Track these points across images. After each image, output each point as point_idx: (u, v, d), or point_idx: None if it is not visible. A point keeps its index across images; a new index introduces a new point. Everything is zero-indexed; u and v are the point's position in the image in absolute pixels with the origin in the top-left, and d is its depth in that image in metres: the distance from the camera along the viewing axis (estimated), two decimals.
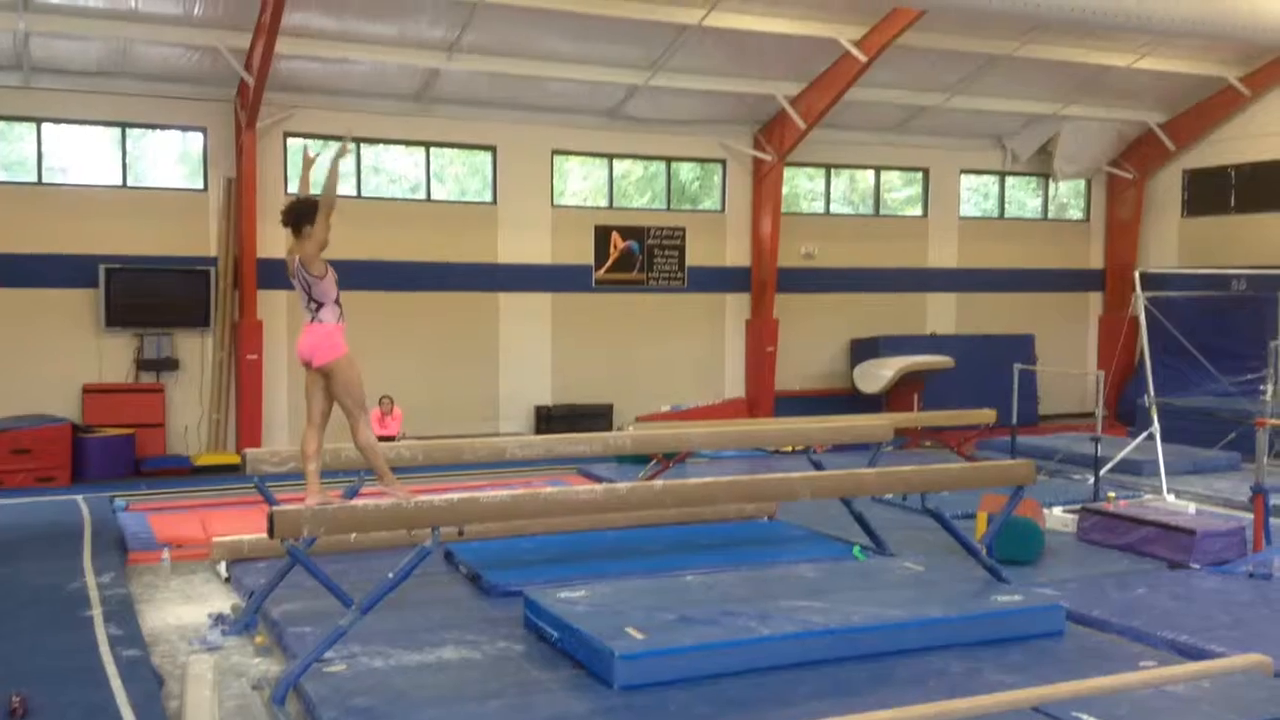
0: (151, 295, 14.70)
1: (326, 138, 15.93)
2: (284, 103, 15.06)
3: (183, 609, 8.13)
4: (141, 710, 5.77)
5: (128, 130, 14.95)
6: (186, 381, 15.05)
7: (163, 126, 15.14)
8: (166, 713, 5.93)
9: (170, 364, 14.86)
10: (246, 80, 14.04)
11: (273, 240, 15.20)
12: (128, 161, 15.02)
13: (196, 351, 15.10)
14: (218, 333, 15.11)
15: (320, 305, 7.07)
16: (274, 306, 15.22)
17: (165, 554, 9.58)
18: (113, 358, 14.70)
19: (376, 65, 15.02)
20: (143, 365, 14.76)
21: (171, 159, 15.51)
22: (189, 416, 15.06)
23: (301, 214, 7.05)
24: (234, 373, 15.17)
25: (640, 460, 13.12)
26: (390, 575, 6.48)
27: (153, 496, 12.43)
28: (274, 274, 15.12)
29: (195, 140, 15.25)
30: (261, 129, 14.78)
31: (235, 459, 13.59)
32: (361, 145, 16.04)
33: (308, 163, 7.31)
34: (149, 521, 10.69)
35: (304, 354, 7.09)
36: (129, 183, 15.00)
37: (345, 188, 16.05)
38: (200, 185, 15.22)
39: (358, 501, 7.39)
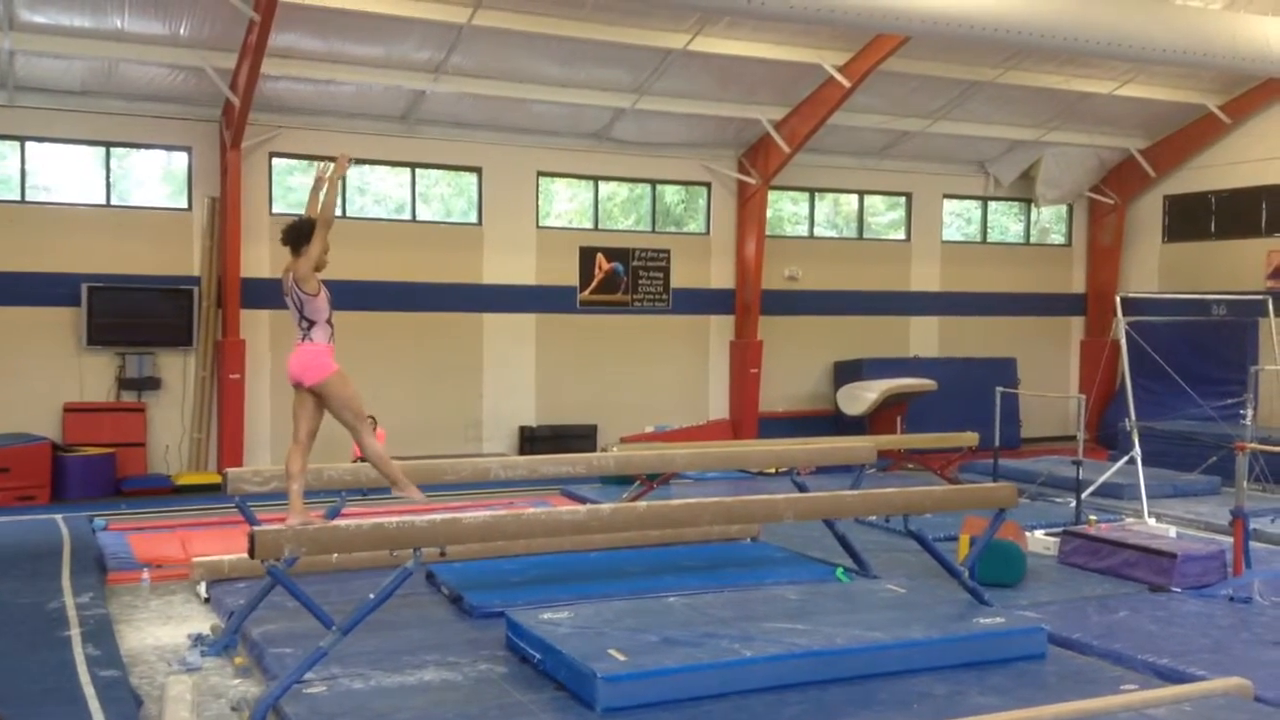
0: (134, 314, 14.63)
1: (312, 158, 15.95)
2: (269, 123, 15.07)
3: (162, 629, 8.06)
4: None
5: (112, 149, 14.93)
6: (168, 401, 14.98)
7: (147, 146, 15.11)
8: None
9: (152, 383, 14.79)
10: (232, 100, 14.05)
11: (256, 260, 15.21)
12: (111, 180, 14.98)
13: (179, 371, 15.04)
14: (200, 352, 15.05)
15: (312, 324, 7.04)
16: (257, 326, 15.18)
17: (145, 574, 9.49)
18: (94, 376, 14.62)
19: (362, 86, 15.05)
20: (124, 384, 14.68)
21: (156, 178, 15.48)
22: (170, 436, 14.99)
23: (302, 233, 7.06)
24: (216, 392, 15.10)
25: (624, 481, 13.10)
26: (371, 596, 6.46)
27: (133, 516, 12.33)
28: (257, 294, 15.14)
29: (180, 160, 15.24)
30: (246, 149, 14.78)
31: (216, 479, 13.54)
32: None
33: (320, 182, 7.28)
34: (129, 541, 10.61)
35: (294, 374, 7.04)
36: (113, 202, 14.96)
37: None
38: (184, 205, 15.19)
39: (339, 521, 7.37)
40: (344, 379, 7.04)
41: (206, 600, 8.77)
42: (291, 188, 16.11)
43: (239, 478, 8.50)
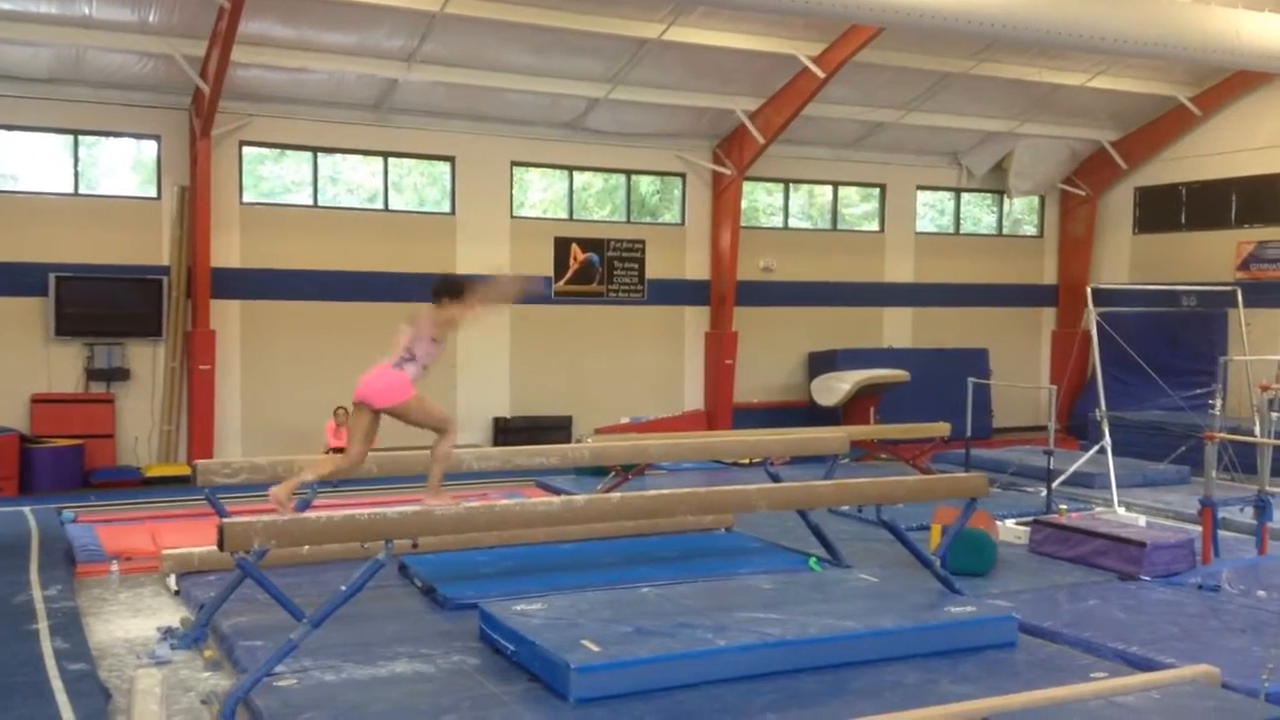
0: (102, 304, 14.48)
1: (283, 147, 15.87)
2: (240, 111, 14.93)
3: (131, 622, 7.99)
4: None
5: (80, 137, 14.75)
6: (137, 392, 14.84)
7: (116, 134, 14.95)
8: None
9: (121, 374, 14.64)
10: (202, 88, 13.91)
11: (226, 250, 15.08)
12: (80, 169, 14.82)
13: (148, 361, 14.90)
14: (170, 342, 14.91)
15: (412, 359, 7.00)
16: (227, 316, 15.06)
17: (114, 566, 9.41)
18: (62, 367, 14.46)
19: (334, 74, 14.93)
20: (93, 375, 14.53)
21: (124, 167, 15.32)
22: (139, 427, 14.85)
23: (450, 289, 7.11)
24: (186, 383, 14.98)
25: (598, 472, 13.10)
26: (343, 588, 6.42)
27: (102, 508, 12.22)
28: (227, 284, 15.02)
29: (149, 148, 15.08)
30: (217, 137, 14.64)
31: (186, 470, 13.48)
32: (319, 154, 15.94)
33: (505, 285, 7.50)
34: (98, 533, 10.50)
35: (364, 394, 6.96)
36: (81, 190, 14.79)
37: (301, 197, 15.98)
38: (153, 193, 15.03)
39: (310, 513, 7.32)
40: (420, 399, 7.05)
41: (176, 593, 8.70)
42: (262, 177, 15.99)
43: (209, 469, 8.44)
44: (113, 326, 14.58)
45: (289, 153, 16.02)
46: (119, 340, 14.66)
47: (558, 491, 12.69)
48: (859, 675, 6.62)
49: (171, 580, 8.86)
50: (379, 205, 16.40)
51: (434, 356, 7.13)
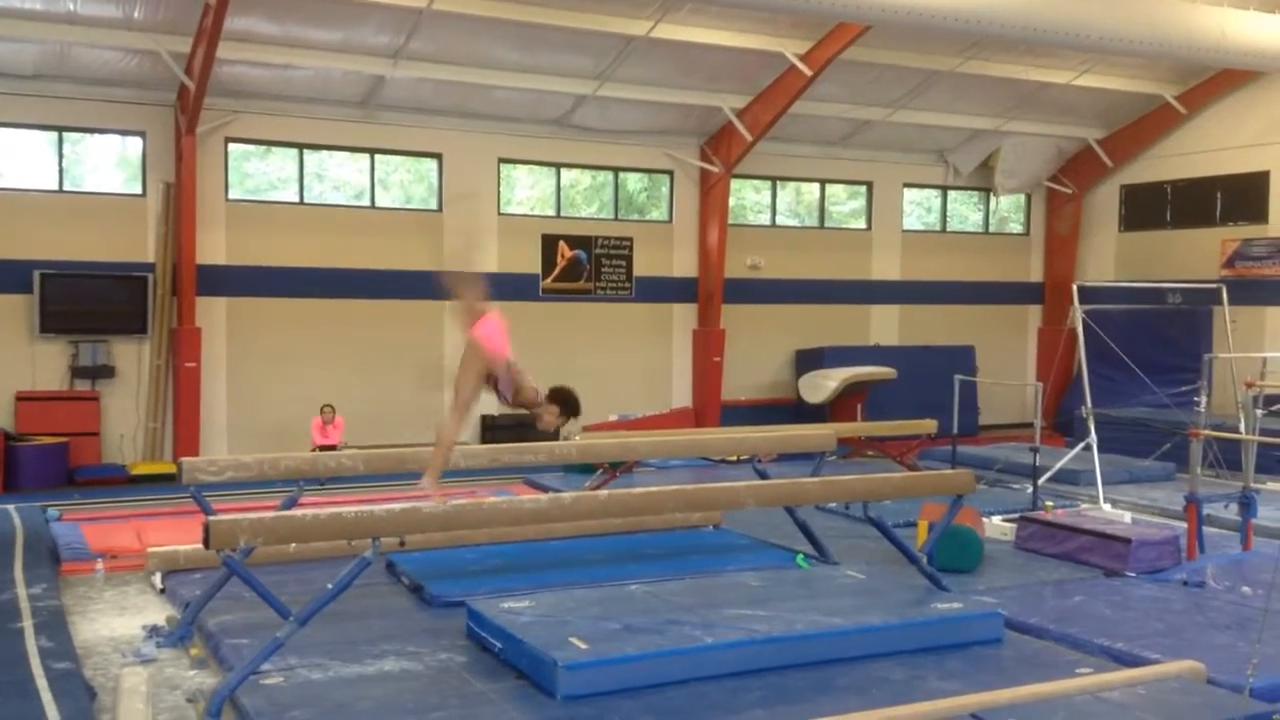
0: (87, 301, 14.41)
1: (269, 143, 15.81)
2: (225, 108, 14.87)
3: (116, 621, 7.95)
4: None
5: (65, 134, 14.67)
6: (123, 389, 14.77)
7: (101, 130, 14.87)
8: None
9: (106, 371, 14.58)
10: (187, 85, 13.84)
11: (212, 247, 15.03)
12: (64, 166, 14.74)
13: (133, 359, 14.83)
14: (155, 340, 14.85)
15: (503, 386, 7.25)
16: (213, 314, 15.01)
17: (99, 565, 9.37)
18: (46, 365, 14.38)
19: (320, 71, 14.88)
20: (78, 372, 14.46)
21: (109, 163, 15.24)
22: (125, 425, 14.78)
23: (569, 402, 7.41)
24: (172, 381, 14.91)
25: (586, 470, 13.10)
26: (329, 586, 6.40)
27: (87, 506, 12.16)
28: (213, 281, 14.97)
29: (134, 145, 15.00)
30: (202, 134, 14.58)
31: (172, 468, 13.41)
32: (305, 151, 15.89)
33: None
34: (83, 532, 10.46)
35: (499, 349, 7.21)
36: (65, 187, 14.71)
37: (287, 194, 15.93)
38: (139, 190, 14.96)
39: (296, 511, 7.30)
40: (476, 348, 7.16)
41: (162, 591, 8.66)
42: (248, 173, 15.93)
43: (194, 467, 8.40)
44: (98, 324, 14.51)
45: (275, 149, 15.96)
46: (104, 338, 14.59)
47: (545, 489, 12.68)
48: (846, 672, 6.63)
49: (157, 578, 8.82)
50: (366, 202, 16.35)
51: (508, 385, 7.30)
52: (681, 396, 18.39)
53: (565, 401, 7.36)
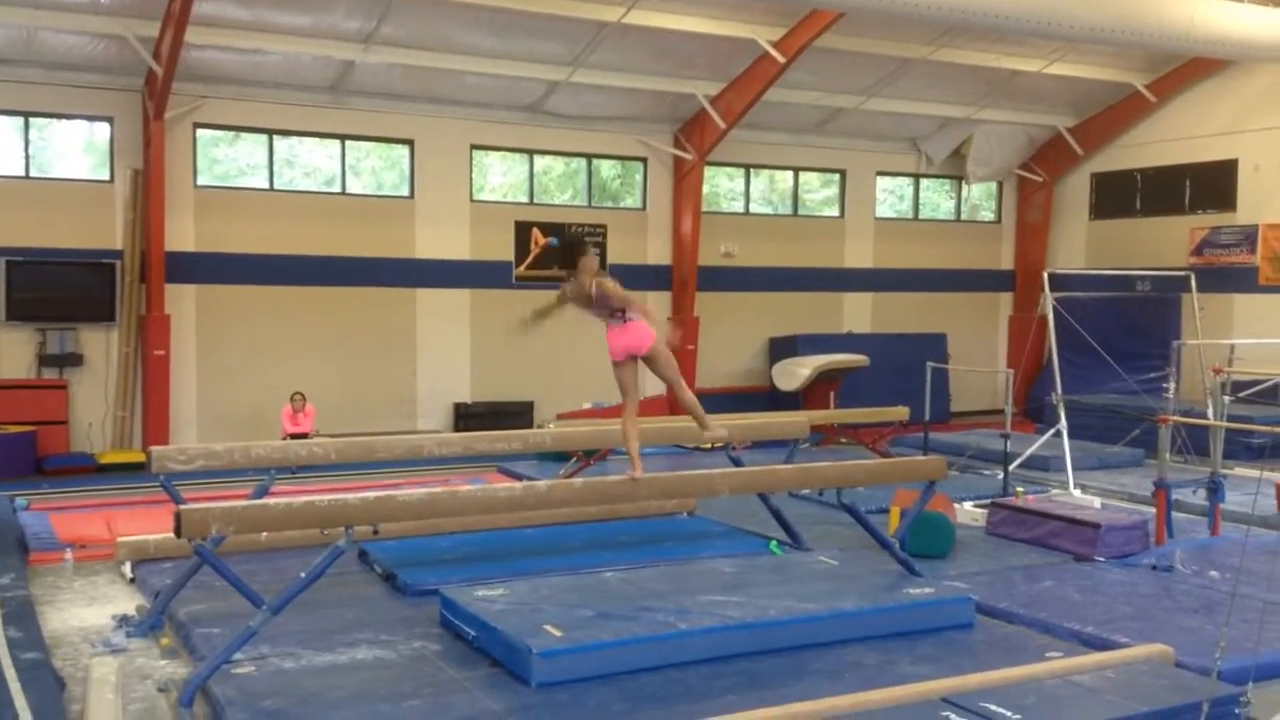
0: (54, 288, 14.24)
1: (238, 129, 15.65)
2: (194, 93, 14.70)
3: (86, 610, 7.89)
4: (42, 715, 5.59)
5: (31, 119, 14.47)
6: (91, 377, 14.61)
7: (67, 116, 14.67)
8: (68, 717, 5.76)
9: (74, 359, 14.41)
10: (155, 70, 13.68)
11: (180, 233, 14.88)
12: (31, 151, 14.53)
13: (101, 346, 14.67)
14: (124, 327, 14.69)
15: (623, 311, 7.40)
16: (182, 301, 14.87)
17: (68, 554, 9.30)
18: (13, 352, 14.21)
19: (290, 56, 14.74)
20: (45, 360, 14.29)
21: (77, 149, 15.04)
22: (93, 413, 14.62)
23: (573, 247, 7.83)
24: (140, 369, 14.76)
25: (561, 458, 13.07)
26: (302, 575, 6.36)
27: (55, 495, 12.04)
28: (182, 268, 14.82)
29: (101, 130, 14.82)
30: (170, 119, 14.41)
31: (141, 457, 13.26)
32: (274, 137, 15.75)
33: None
34: (51, 521, 10.36)
35: (625, 349, 7.41)
36: (32, 173, 14.51)
37: (257, 180, 15.79)
38: (106, 176, 14.79)
39: (269, 500, 7.25)
40: (663, 342, 7.43)
41: (132, 580, 8.60)
42: (217, 159, 15.78)
43: (164, 456, 8.32)
44: (65, 311, 14.34)
45: (244, 135, 15.80)
46: (71, 325, 14.42)
47: (520, 477, 12.66)
48: (819, 657, 6.67)
49: (127, 568, 8.76)
50: (336, 189, 16.22)
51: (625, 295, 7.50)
52: (655, 384, 18.31)
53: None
